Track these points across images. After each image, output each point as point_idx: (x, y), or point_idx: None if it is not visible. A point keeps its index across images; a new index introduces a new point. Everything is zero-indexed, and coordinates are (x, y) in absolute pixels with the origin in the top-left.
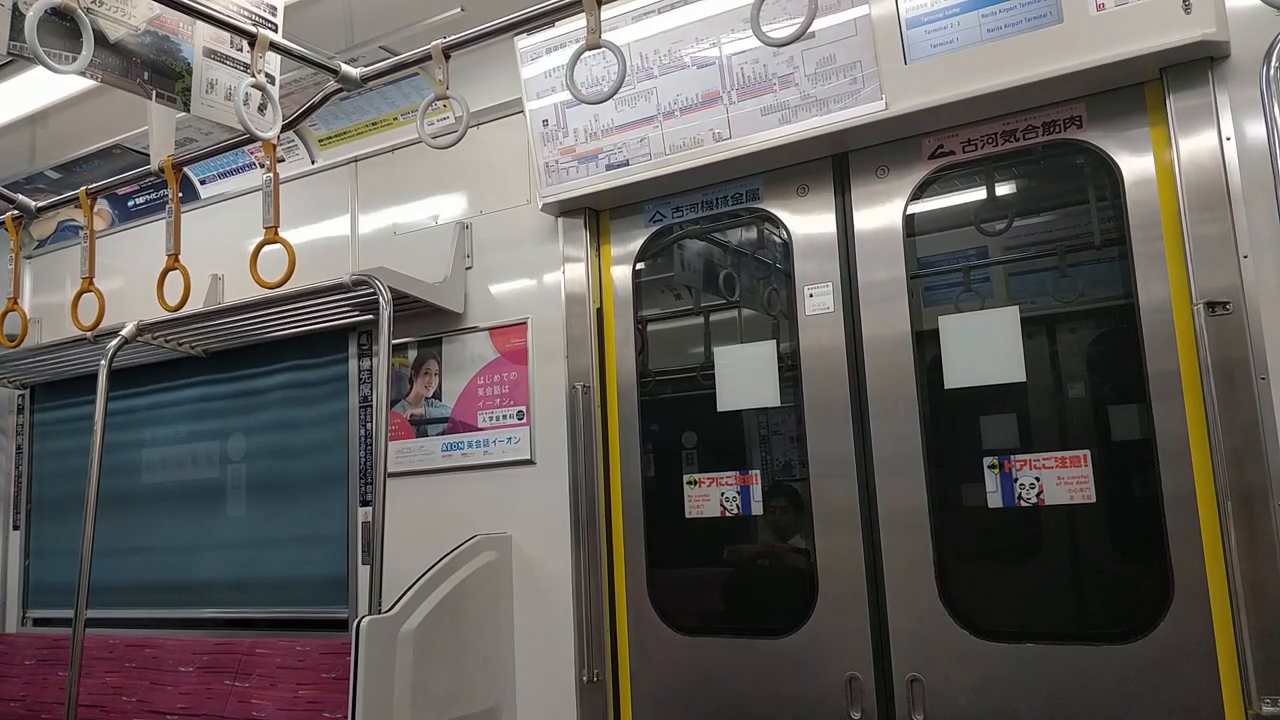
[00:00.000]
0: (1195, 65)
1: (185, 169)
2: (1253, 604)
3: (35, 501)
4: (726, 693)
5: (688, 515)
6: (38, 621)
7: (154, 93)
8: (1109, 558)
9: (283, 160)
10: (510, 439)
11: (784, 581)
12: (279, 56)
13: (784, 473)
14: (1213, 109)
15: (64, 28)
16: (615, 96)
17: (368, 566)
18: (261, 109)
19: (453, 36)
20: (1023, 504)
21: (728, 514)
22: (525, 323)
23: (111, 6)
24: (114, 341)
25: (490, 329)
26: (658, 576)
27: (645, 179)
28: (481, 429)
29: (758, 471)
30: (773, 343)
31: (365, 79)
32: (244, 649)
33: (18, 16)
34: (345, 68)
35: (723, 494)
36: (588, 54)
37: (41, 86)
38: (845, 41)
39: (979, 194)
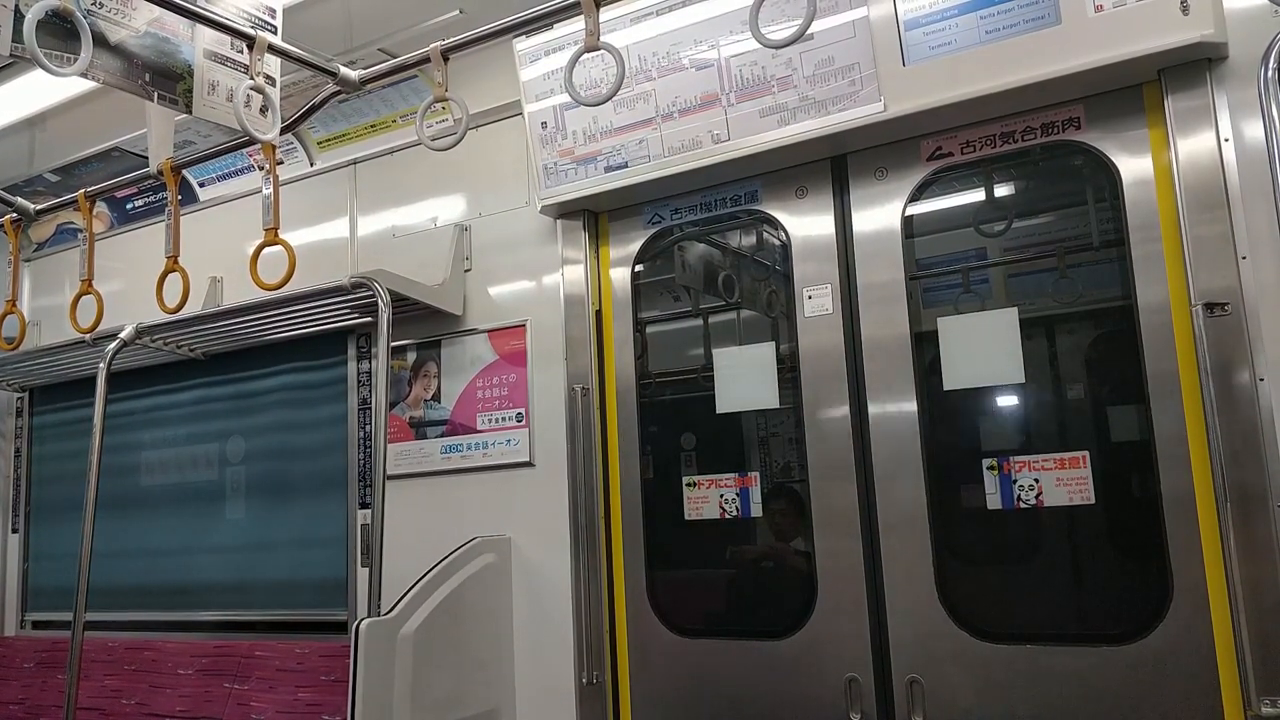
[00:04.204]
0: (1193, 67)
1: (184, 171)
2: (1252, 605)
3: (34, 504)
4: (726, 694)
5: (687, 517)
6: (37, 624)
7: (156, 94)
8: (1108, 559)
9: (281, 163)
10: (509, 441)
11: (783, 583)
12: (278, 59)
13: (783, 474)
14: (1211, 110)
15: (64, 29)
16: (614, 98)
17: (367, 569)
18: (262, 111)
19: (451, 39)
20: (1022, 505)
21: (727, 516)
22: (524, 325)
23: (112, 9)
24: (113, 344)
25: (489, 331)
26: (657, 578)
27: (644, 181)
28: (481, 431)
29: (757, 473)
30: (772, 344)
31: (364, 81)
32: (243, 652)
33: (18, 18)
34: (344, 70)
35: (722, 496)
36: (586, 56)
37: (40, 89)
38: (844, 43)
39: (978, 195)
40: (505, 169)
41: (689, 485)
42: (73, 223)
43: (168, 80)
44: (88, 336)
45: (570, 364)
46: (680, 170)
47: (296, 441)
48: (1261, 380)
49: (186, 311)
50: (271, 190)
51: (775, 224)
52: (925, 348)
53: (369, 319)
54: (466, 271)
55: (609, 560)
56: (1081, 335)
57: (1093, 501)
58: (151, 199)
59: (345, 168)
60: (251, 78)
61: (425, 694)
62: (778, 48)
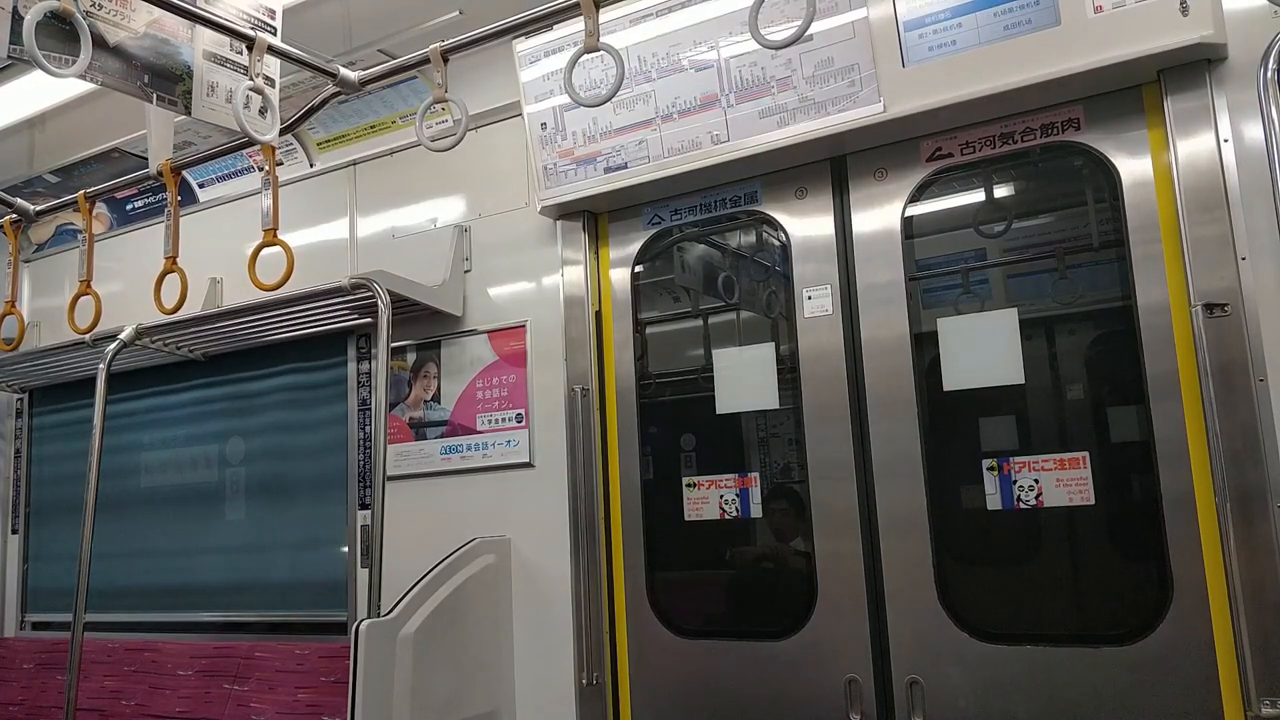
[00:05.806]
0: (1193, 67)
1: (184, 172)
2: (1252, 605)
3: (34, 505)
4: (726, 695)
5: (687, 518)
6: (36, 625)
7: (155, 95)
8: (1108, 560)
9: (281, 164)
10: (509, 442)
11: (783, 584)
12: (278, 60)
13: (783, 475)
14: (1210, 111)
15: (63, 31)
16: (613, 99)
17: (367, 570)
18: (261, 112)
19: (451, 40)
20: (1022, 506)
21: (727, 516)
22: (524, 326)
23: (111, 10)
24: (112, 345)
25: (489, 332)
26: (657, 579)
27: (644, 182)
28: (480, 432)
29: (757, 474)
30: (771, 345)
31: (364, 82)
32: (243, 653)
33: (17, 19)
34: (344, 71)
35: (722, 496)
36: (586, 57)
37: (40, 90)
38: (843, 44)
39: (977, 196)
40: (505, 170)
41: (689, 486)
42: (72, 223)
43: (167, 82)
44: (87, 337)
45: (570, 365)
46: (680, 171)
47: (296, 442)
48: (1261, 380)
49: (186, 312)
50: (271, 191)
51: (775, 225)
52: (925, 348)
53: (369, 320)
54: (466, 272)
55: (609, 561)
56: (1081, 336)
57: (1093, 502)
58: (151, 200)
59: (345, 168)
60: (251, 79)
61: (425, 695)
62: (777, 49)
